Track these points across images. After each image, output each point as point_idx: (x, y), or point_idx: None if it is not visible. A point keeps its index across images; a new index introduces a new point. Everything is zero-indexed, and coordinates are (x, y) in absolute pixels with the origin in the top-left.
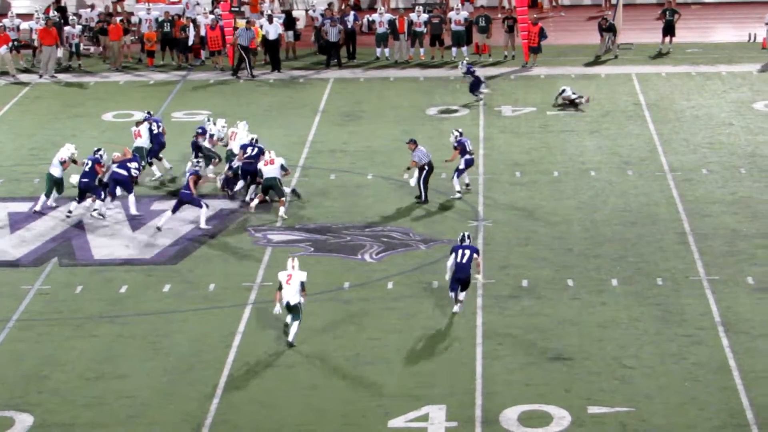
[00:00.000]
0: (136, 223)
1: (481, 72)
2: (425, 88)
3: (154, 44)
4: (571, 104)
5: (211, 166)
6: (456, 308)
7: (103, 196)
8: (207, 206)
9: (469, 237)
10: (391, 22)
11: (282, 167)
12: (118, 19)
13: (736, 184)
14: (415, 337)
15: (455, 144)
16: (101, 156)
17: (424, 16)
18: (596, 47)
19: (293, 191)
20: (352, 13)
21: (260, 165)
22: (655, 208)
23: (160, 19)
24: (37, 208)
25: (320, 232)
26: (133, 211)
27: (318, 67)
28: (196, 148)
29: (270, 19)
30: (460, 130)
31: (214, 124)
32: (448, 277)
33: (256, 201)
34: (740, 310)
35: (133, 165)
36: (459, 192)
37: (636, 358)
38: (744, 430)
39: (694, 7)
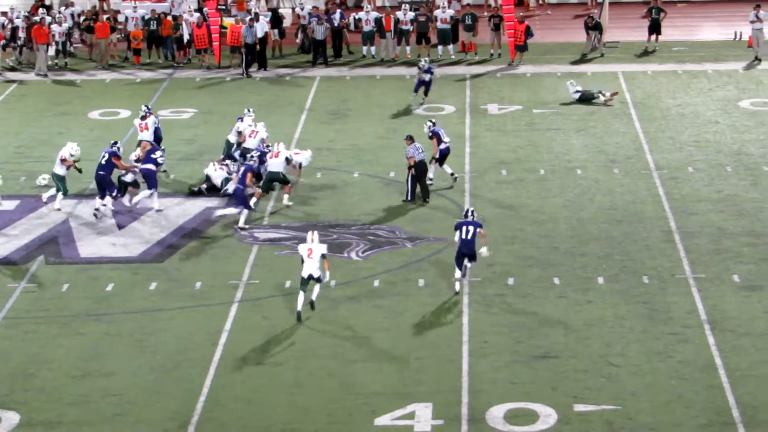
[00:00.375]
0: (122, 221)
1: (466, 70)
2: (411, 87)
3: (141, 42)
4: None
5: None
6: (457, 274)
7: (115, 194)
8: (253, 209)
9: (473, 213)
10: (378, 21)
11: (287, 159)
12: (104, 17)
13: (722, 182)
14: (402, 336)
15: (429, 134)
16: (119, 149)
17: (411, 15)
18: (582, 45)
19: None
20: (338, 11)
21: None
22: (642, 206)
23: (147, 17)
24: (57, 205)
25: (307, 230)
26: (156, 206)
27: (304, 65)
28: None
29: (256, 18)
30: (433, 120)
31: (249, 111)
32: (457, 246)
33: (254, 199)
34: (726, 308)
35: (158, 154)
36: (452, 174)
37: (622, 356)
38: (730, 428)
39: (680, 5)
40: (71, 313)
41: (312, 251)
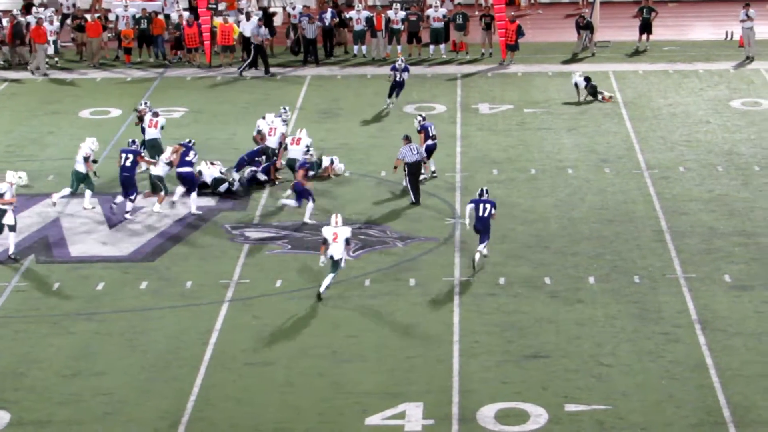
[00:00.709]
0: (113, 220)
1: (457, 69)
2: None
3: (131, 41)
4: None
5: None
6: (480, 253)
7: (134, 198)
8: (314, 200)
9: (487, 192)
10: (369, 20)
11: (307, 147)
12: (95, 15)
13: (713, 182)
14: (392, 335)
15: (419, 128)
16: (138, 147)
17: (402, 14)
18: (573, 45)
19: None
20: (329, 10)
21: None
22: (632, 205)
23: (137, 16)
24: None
25: (297, 230)
26: (194, 209)
27: (295, 64)
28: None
29: (248, 16)
30: (423, 114)
31: (285, 110)
32: (468, 223)
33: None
34: (717, 307)
35: (191, 154)
36: (433, 171)
37: (613, 356)
38: (720, 427)
39: (671, 5)
40: (62, 312)
41: (337, 235)
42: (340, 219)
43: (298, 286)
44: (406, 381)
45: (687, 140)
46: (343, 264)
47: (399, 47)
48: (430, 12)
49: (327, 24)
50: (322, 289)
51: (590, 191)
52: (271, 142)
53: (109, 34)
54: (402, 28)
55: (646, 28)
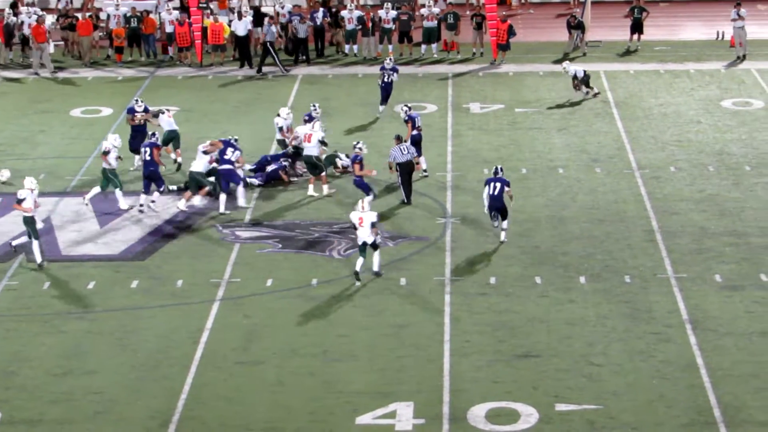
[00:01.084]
0: (104, 219)
1: (449, 68)
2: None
3: (123, 40)
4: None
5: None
6: (502, 236)
7: (162, 189)
8: (375, 194)
9: (501, 170)
10: (360, 19)
11: (320, 142)
12: (87, 14)
13: (704, 182)
14: (383, 334)
15: (406, 118)
16: (158, 140)
17: (393, 13)
18: (565, 45)
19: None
20: (321, 9)
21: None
22: (623, 205)
23: (128, 15)
24: (122, 206)
25: (288, 229)
26: (242, 203)
27: (286, 63)
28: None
29: (240, 16)
30: (409, 105)
31: (315, 107)
32: (486, 206)
33: (311, 187)
34: (708, 307)
35: (229, 151)
36: (424, 170)
37: (604, 356)
38: (711, 427)
39: (662, 5)
40: (53, 310)
41: (363, 219)
42: (367, 204)
43: (288, 286)
44: (396, 380)
45: (678, 140)
46: (379, 241)
47: (390, 47)
48: (423, 11)
49: (318, 23)
50: (376, 268)
51: (581, 191)
52: (311, 149)
53: (101, 33)
54: (393, 28)
55: (637, 27)
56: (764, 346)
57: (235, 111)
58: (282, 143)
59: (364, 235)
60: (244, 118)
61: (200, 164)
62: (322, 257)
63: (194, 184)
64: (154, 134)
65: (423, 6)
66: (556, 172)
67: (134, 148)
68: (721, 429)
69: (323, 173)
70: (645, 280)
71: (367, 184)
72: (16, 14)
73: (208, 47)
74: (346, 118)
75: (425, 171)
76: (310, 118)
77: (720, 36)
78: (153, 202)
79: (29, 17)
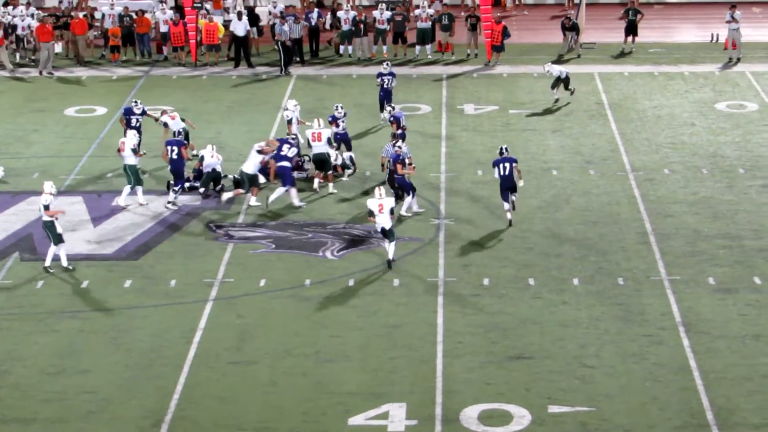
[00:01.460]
0: (98, 218)
1: (443, 70)
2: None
3: (119, 40)
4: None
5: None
6: (506, 206)
7: (178, 188)
8: (415, 194)
9: (507, 149)
10: (355, 20)
11: (329, 141)
12: (81, 14)
13: (698, 185)
14: (376, 335)
15: (390, 119)
16: (184, 138)
17: (387, 14)
18: (559, 46)
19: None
20: (315, 10)
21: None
22: (617, 207)
23: (122, 14)
24: (121, 202)
25: (282, 229)
26: (296, 202)
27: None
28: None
29: (239, 16)
30: (393, 105)
31: (339, 109)
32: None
33: (316, 181)
34: (701, 310)
35: (285, 148)
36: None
37: (597, 358)
38: (704, 430)
39: (656, 7)
40: (46, 309)
41: (382, 206)
42: (384, 191)
43: (282, 286)
44: (389, 381)
45: (672, 142)
46: (394, 230)
47: (384, 47)
48: (418, 12)
49: (313, 24)
50: (390, 257)
51: (575, 193)
52: (321, 147)
53: (95, 33)
54: (387, 29)
55: (631, 29)
56: (757, 349)
57: (229, 111)
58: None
59: (384, 221)
60: (238, 117)
61: (251, 164)
62: (316, 258)
63: (248, 183)
64: (180, 133)
65: (417, 7)
66: (550, 173)
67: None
68: (714, 431)
69: (330, 172)
70: (638, 282)
71: (410, 183)
72: (11, 14)
73: (203, 47)
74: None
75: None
76: (334, 119)
77: (714, 38)
78: (170, 202)
79: (22, 20)
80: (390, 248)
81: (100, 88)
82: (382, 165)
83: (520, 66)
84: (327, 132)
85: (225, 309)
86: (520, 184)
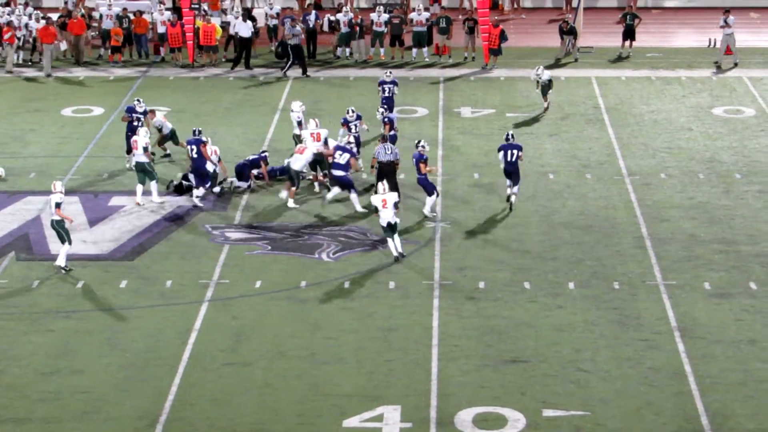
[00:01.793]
0: (93, 218)
1: (440, 73)
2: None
3: (120, 40)
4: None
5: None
6: (508, 191)
7: (208, 186)
8: (438, 194)
9: (513, 136)
10: (352, 22)
11: (325, 140)
12: (79, 14)
13: (695, 189)
14: (371, 338)
15: (385, 119)
16: (203, 136)
17: (385, 16)
18: (557, 50)
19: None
20: (313, 12)
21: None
22: (613, 212)
23: (121, 15)
24: (156, 199)
25: (278, 231)
26: (358, 207)
27: (278, 65)
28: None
29: (244, 18)
30: (385, 106)
31: (351, 112)
32: (503, 166)
33: (316, 184)
34: (697, 315)
35: (338, 155)
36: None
37: (592, 362)
38: None
39: (654, 11)
40: (41, 309)
41: (386, 201)
42: (386, 186)
43: (277, 288)
44: (384, 384)
45: (669, 147)
46: (398, 221)
47: (382, 50)
48: (413, 15)
49: (311, 26)
50: (400, 250)
51: (571, 197)
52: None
53: (93, 33)
54: (385, 31)
55: (629, 34)
56: (753, 354)
57: (227, 112)
58: (299, 139)
59: (388, 215)
60: (235, 119)
61: (300, 162)
62: (312, 259)
63: (294, 178)
64: (200, 131)
65: (414, 10)
66: (547, 177)
67: (129, 147)
68: None
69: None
70: (634, 286)
71: (432, 184)
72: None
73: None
74: (338, 121)
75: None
76: (346, 122)
77: (712, 43)
78: (199, 197)
79: (19, 19)
80: (396, 242)
81: (98, 88)
82: (372, 166)
83: (518, 69)
84: (325, 132)
85: (220, 310)
86: (522, 165)
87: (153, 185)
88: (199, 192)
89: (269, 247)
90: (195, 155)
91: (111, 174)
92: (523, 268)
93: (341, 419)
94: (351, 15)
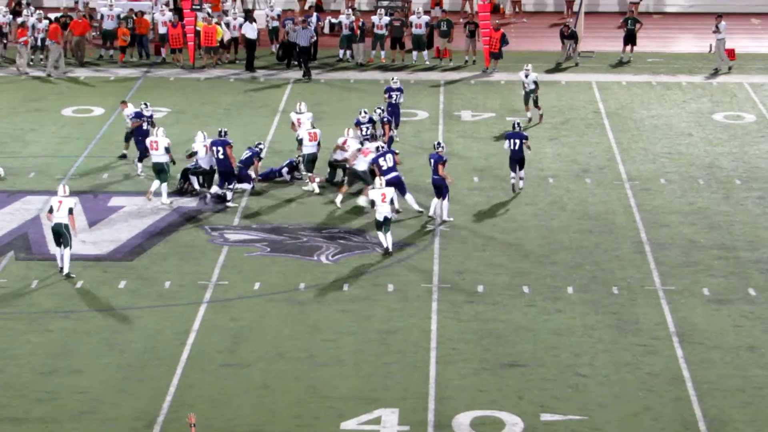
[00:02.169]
0: (93, 218)
1: (441, 76)
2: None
3: (126, 40)
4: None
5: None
6: (520, 184)
7: (233, 186)
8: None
9: (519, 125)
10: (352, 25)
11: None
12: (80, 14)
13: (694, 195)
14: (369, 340)
15: (385, 119)
16: (229, 139)
17: (386, 19)
18: (557, 54)
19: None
20: (315, 14)
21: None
22: (613, 216)
23: (122, 15)
24: (165, 200)
25: (277, 233)
26: (417, 207)
27: (278, 67)
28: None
29: (251, 19)
30: (381, 107)
31: (364, 113)
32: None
33: (315, 185)
34: (695, 320)
35: (382, 161)
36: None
37: (590, 367)
38: None
39: (656, 16)
40: (40, 309)
41: (385, 195)
42: (384, 181)
43: (276, 289)
44: (382, 386)
45: (669, 152)
46: (393, 217)
47: (383, 52)
48: (412, 18)
49: (312, 28)
50: (389, 247)
51: (571, 201)
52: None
53: (94, 33)
54: (386, 34)
55: (630, 39)
56: (751, 360)
57: (226, 113)
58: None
59: (385, 210)
60: (234, 120)
61: (364, 163)
62: (310, 261)
63: (364, 181)
64: (225, 132)
65: (414, 13)
66: (546, 181)
67: (142, 154)
68: None
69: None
70: (633, 291)
71: (447, 187)
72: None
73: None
74: (338, 123)
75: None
76: (358, 123)
77: (712, 49)
78: (214, 195)
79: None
80: (388, 238)
81: (98, 88)
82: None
83: (518, 73)
84: (319, 132)
85: (219, 312)
86: (528, 153)
87: (164, 187)
88: (218, 190)
89: (268, 249)
90: (221, 156)
91: (111, 174)
92: (522, 272)
93: (339, 421)
94: (353, 18)
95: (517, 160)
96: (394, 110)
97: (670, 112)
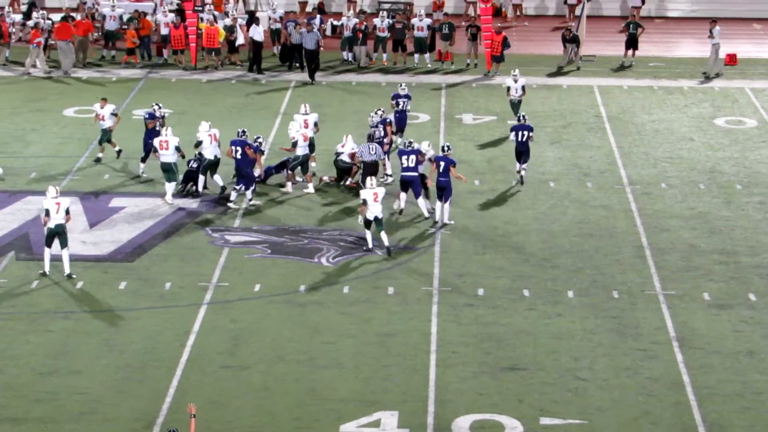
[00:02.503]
0: (93, 219)
1: (442, 79)
2: (387, 93)
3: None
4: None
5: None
6: (518, 166)
7: (254, 188)
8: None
9: (525, 117)
10: (355, 27)
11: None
12: (83, 15)
13: (695, 200)
14: (369, 343)
15: (387, 120)
16: (247, 138)
17: (388, 21)
18: (559, 58)
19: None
20: (318, 16)
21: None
22: (614, 220)
23: (128, 17)
24: (169, 199)
25: (278, 234)
26: (425, 211)
27: (280, 69)
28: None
29: (257, 21)
30: (382, 109)
31: (376, 113)
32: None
33: (311, 186)
34: (695, 325)
35: (404, 159)
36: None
37: (590, 371)
38: None
39: (657, 21)
40: (40, 309)
41: (377, 195)
42: (375, 180)
43: (276, 291)
44: (382, 389)
45: (670, 157)
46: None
47: (384, 55)
48: (414, 21)
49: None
50: (387, 244)
51: (572, 205)
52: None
53: (96, 34)
54: (388, 36)
55: (632, 43)
56: (751, 365)
57: (228, 115)
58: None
59: (377, 210)
60: (236, 122)
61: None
62: (311, 264)
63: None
64: (244, 132)
65: (416, 16)
66: (547, 185)
67: (147, 154)
68: None
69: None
70: (633, 296)
71: (450, 189)
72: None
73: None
74: (339, 125)
75: (390, 175)
76: (388, 122)
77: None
78: (250, 200)
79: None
80: (384, 236)
81: (100, 89)
82: (355, 164)
83: (506, 79)
84: (310, 132)
85: (219, 313)
86: (531, 144)
87: (170, 186)
88: (243, 190)
89: (269, 251)
90: (239, 156)
91: (112, 175)
92: (523, 275)
93: (338, 424)
94: (356, 20)
95: (522, 152)
96: (401, 117)
97: (672, 117)
